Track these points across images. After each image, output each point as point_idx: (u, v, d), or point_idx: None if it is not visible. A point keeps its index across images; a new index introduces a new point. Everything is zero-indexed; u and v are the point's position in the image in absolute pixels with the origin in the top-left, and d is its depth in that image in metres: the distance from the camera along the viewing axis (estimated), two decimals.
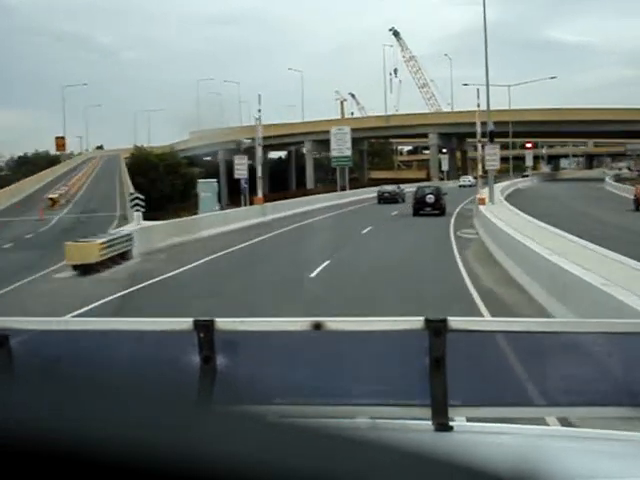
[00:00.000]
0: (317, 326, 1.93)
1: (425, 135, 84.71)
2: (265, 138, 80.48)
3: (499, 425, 1.82)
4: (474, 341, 1.93)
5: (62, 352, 2.04)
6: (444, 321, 1.88)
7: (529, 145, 68.50)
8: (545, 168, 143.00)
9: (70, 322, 2.32)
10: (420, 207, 35.11)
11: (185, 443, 0.47)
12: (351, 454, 0.49)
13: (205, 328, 1.95)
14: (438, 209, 34.78)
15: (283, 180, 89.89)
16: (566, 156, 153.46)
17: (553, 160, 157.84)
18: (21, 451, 0.46)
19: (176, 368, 1.99)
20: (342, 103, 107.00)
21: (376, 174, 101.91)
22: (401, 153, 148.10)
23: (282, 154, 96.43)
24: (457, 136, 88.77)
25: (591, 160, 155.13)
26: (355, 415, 1.85)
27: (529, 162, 74.87)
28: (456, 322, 1.89)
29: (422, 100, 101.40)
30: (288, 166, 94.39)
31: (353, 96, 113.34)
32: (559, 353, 1.98)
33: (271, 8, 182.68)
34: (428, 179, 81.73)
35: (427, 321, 1.88)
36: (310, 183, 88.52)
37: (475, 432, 1.79)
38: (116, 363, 1.98)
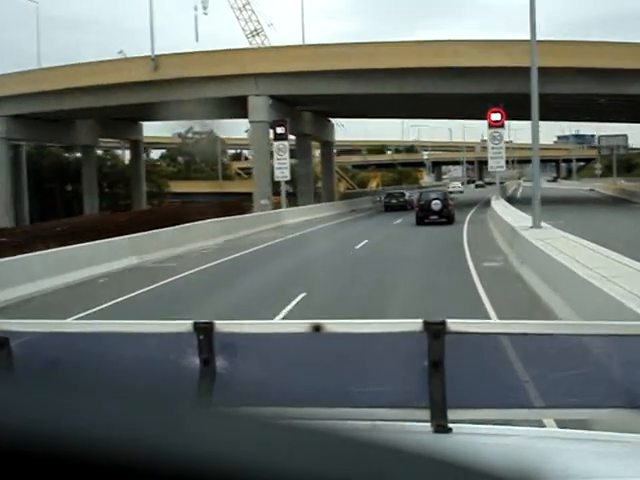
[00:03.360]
0: (316, 328, 1.93)
1: (242, 102, 37.39)
2: None
3: (498, 427, 1.83)
4: (473, 343, 1.94)
5: (62, 354, 2.03)
6: (443, 323, 1.88)
7: (497, 117, 28.19)
8: (428, 178, 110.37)
9: (70, 324, 2.36)
10: (425, 215, 30.52)
11: (184, 445, 0.47)
12: (350, 456, 0.49)
13: (205, 330, 1.95)
14: (446, 217, 30.08)
15: None
16: (456, 162, 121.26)
17: (436, 167, 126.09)
18: (21, 453, 0.46)
19: (176, 370, 1.99)
20: None
21: (183, 186, 59.29)
22: (247, 158, 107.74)
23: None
24: (315, 106, 43.76)
25: (480, 168, 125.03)
26: (354, 417, 1.84)
27: (501, 165, 30.48)
28: (455, 324, 1.89)
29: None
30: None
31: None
32: (557, 355, 1.98)
33: None
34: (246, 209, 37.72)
35: (426, 323, 1.88)
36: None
37: (474, 434, 1.79)
38: (116, 365, 1.97)
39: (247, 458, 0.47)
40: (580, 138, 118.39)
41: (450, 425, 1.79)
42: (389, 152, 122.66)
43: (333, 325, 1.94)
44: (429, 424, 1.80)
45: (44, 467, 0.46)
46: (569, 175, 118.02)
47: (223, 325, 1.96)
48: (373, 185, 63.75)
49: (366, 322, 2.03)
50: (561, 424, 2.27)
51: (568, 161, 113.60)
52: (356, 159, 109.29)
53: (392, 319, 1.93)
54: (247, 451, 0.47)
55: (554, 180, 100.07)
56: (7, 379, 0.58)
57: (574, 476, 1.39)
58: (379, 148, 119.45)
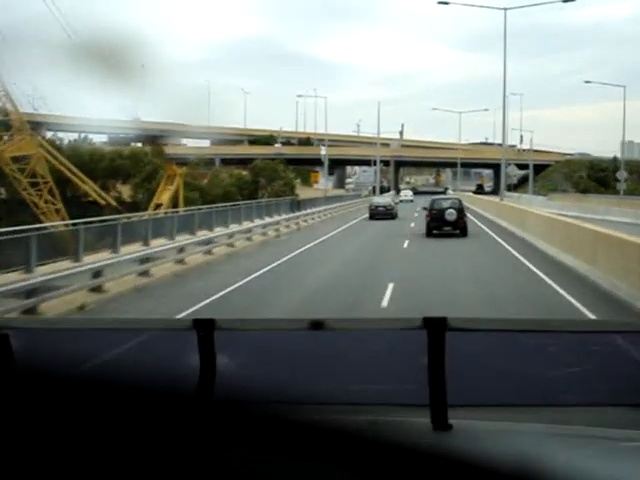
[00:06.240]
0: (317, 325, 1.94)
1: None
2: None
3: (499, 424, 1.84)
4: (474, 340, 1.95)
5: (62, 351, 2.07)
6: (444, 320, 1.89)
7: None
8: (326, 182, 78.01)
9: (70, 321, 2.42)
10: (437, 226, 28.11)
11: (185, 441, 0.46)
12: (350, 453, 0.48)
13: (205, 327, 1.96)
14: (461, 228, 27.91)
15: None
16: (365, 162, 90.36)
17: (338, 169, 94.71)
18: (20, 450, 0.44)
19: (175, 367, 2.03)
20: None
21: None
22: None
23: None
24: None
25: (397, 170, 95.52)
26: (354, 414, 1.84)
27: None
28: (456, 321, 1.90)
29: None
30: None
31: None
32: (559, 352, 2.00)
33: None
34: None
35: (426, 320, 1.90)
36: None
37: (474, 431, 1.78)
38: (116, 362, 2.00)
39: (248, 455, 0.46)
40: (489, 146, 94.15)
41: (451, 423, 1.78)
42: (277, 145, 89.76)
43: (333, 322, 1.97)
44: (429, 422, 1.80)
45: (44, 465, 0.45)
46: (516, 186, 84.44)
47: (223, 322, 1.97)
48: (163, 199, 28.91)
49: (366, 319, 2.09)
50: (563, 422, 2.27)
51: (485, 166, 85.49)
52: (230, 151, 76.73)
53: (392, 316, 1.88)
54: (248, 448, 0.47)
55: (482, 191, 71.62)
56: (7, 376, 0.52)
57: (576, 474, 1.41)
58: (266, 139, 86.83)
